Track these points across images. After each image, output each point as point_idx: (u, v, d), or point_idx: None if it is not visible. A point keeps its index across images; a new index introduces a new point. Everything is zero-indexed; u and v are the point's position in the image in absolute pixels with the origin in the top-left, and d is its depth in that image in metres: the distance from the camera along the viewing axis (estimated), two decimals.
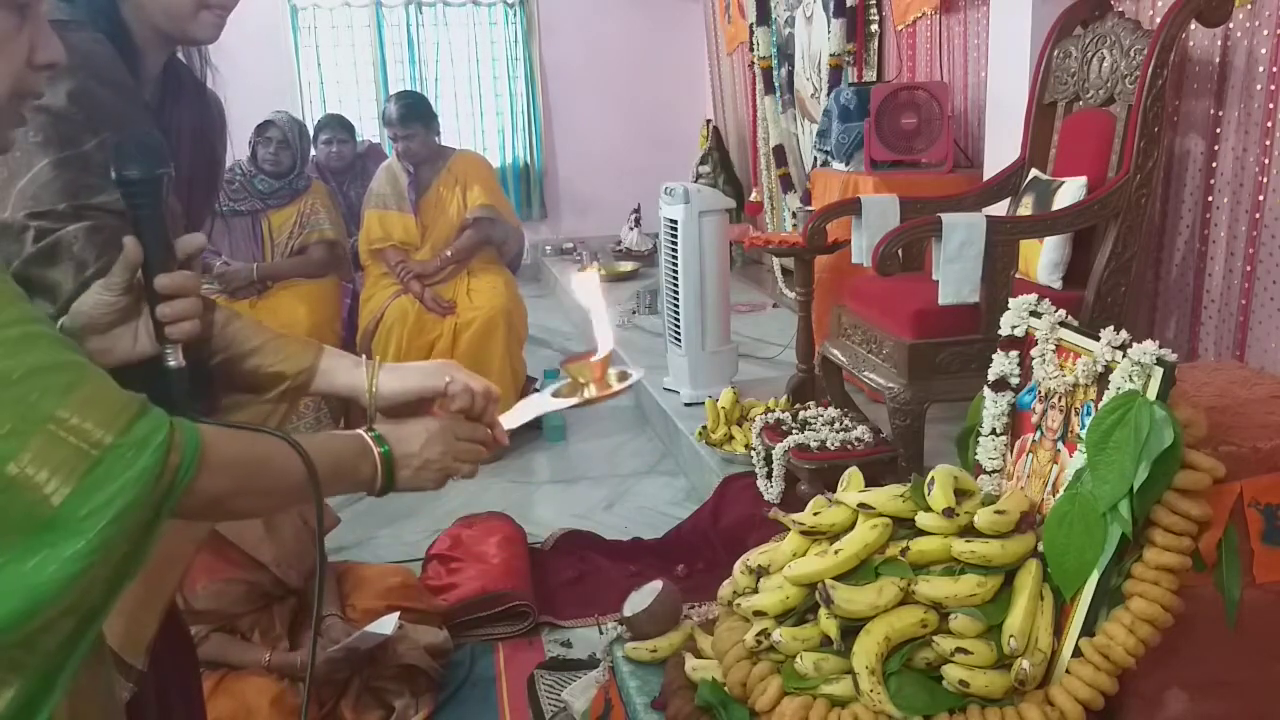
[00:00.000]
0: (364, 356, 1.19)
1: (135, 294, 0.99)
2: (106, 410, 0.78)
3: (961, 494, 1.43)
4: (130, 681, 1.26)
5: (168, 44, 1.27)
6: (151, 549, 0.81)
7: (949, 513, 1.37)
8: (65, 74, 1.10)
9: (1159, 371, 1.29)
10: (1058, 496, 1.35)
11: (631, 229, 6.82)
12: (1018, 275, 2.85)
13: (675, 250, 3.71)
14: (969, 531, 1.36)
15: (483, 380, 1.16)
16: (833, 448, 2.73)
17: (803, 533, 1.47)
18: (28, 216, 1.09)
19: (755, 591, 1.44)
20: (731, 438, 3.31)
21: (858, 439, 2.75)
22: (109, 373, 0.83)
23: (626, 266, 6.45)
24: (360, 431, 1.05)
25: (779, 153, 5.42)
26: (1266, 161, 2.59)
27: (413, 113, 4.00)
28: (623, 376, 1.22)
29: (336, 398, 1.18)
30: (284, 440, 0.94)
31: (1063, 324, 1.51)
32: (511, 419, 1.21)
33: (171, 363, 1.00)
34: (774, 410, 3.11)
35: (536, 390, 4.14)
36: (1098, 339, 1.39)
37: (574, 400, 1.21)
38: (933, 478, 1.43)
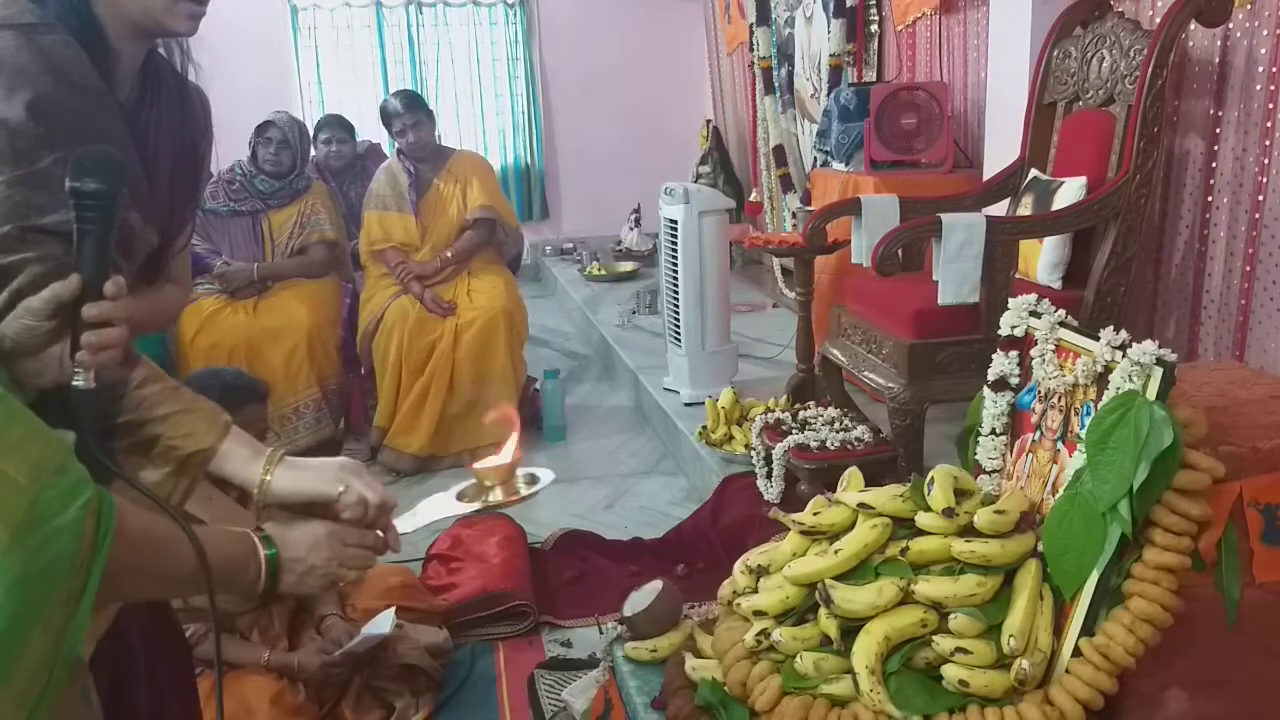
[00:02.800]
0: (266, 449, 1.17)
1: (62, 317, 0.96)
2: (38, 451, 0.75)
3: (961, 494, 1.43)
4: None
5: (145, 39, 1.24)
6: (86, 619, 0.77)
7: (949, 513, 1.37)
8: (25, 83, 1.08)
9: (1158, 371, 1.29)
10: (1057, 496, 1.35)
11: (631, 229, 6.81)
12: (1017, 275, 2.85)
13: (675, 250, 3.71)
14: (969, 531, 1.36)
15: (379, 490, 1.16)
16: (832, 448, 2.73)
17: (802, 533, 1.47)
18: None
19: (755, 591, 1.45)
20: (731, 438, 3.32)
21: (857, 439, 2.75)
22: (41, 394, 0.81)
23: (626, 266, 6.45)
24: (249, 532, 1.04)
25: (779, 153, 5.42)
26: (1266, 161, 2.59)
27: (417, 100, 4.03)
28: (531, 481, 1.22)
29: (230, 484, 1.16)
30: (181, 528, 0.92)
31: (1062, 324, 1.51)
32: (412, 521, 1.21)
33: (79, 383, 0.96)
34: (774, 410, 3.11)
35: (536, 390, 4.16)
36: (1097, 339, 1.40)
37: (477, 505, 1.20)
38: (932, 478, 1.43)
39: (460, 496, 1.22)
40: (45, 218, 1.06)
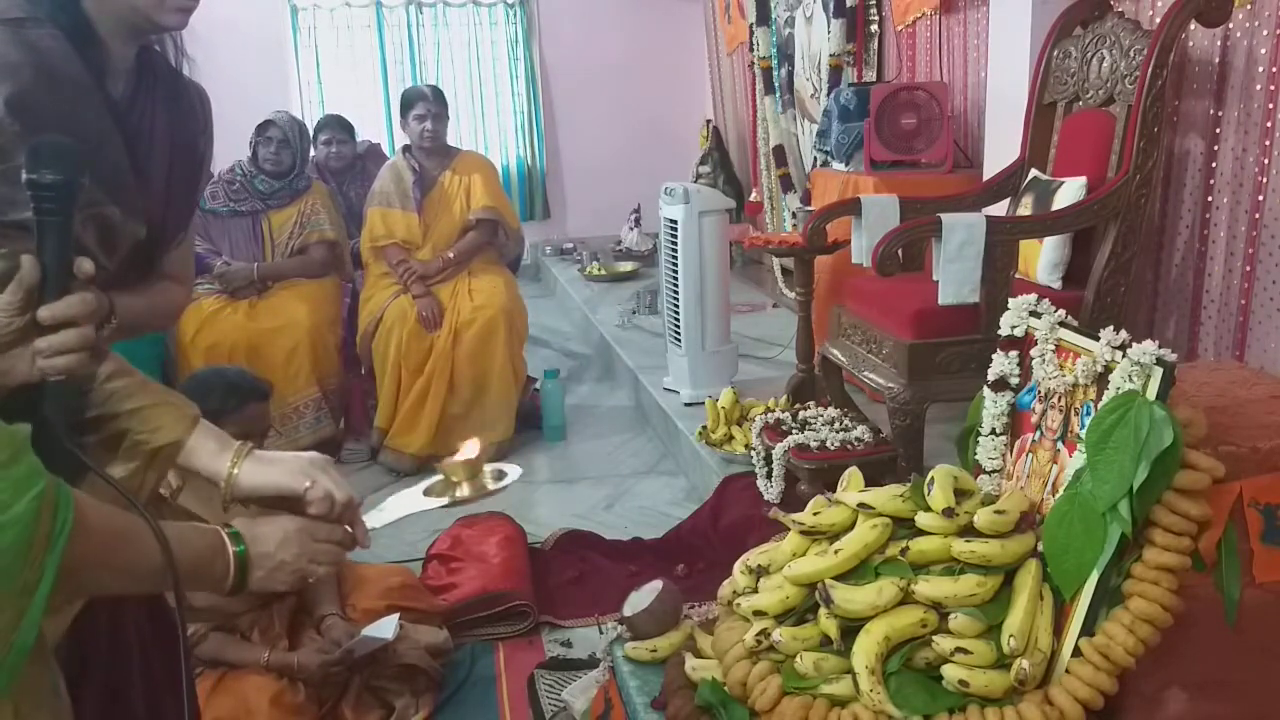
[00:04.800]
0: (234, 443, 1.16)
1: (30, 316, 0.95)
2: None
3: (961, 494, 1.43)
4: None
5: (135, 34, 1.24)
6: (38, 614, 0.76)
7: (949, 513, 1.37)
8: (6, 77, 1.08)
9: (1158, 371, 1.29)
10: (1057, 496, 1.35)
11: (631, 229, 6.81)
12: (1017, 275, 2.85)
13: (675, 250, 3.71)
14: (969, 531, 1.36)
15: (345, 486, 1.15)
16: (832, 448, 2.73)
17: (802, 532, 1.47)
18: None
19: (755, 591, 1.45)
20: (731, 438, 3.31)
21: (857, 439, 2.75)
22: (10, 392, 0.80)
23: (626, 266, 6.45)
24: (218, 528, 1.03)
25: (779, 153, 5.42)
26: (1266, 161, 2.59)
27: (443, 94, 4.07)
28: (499, 476, 1.22)
29: (197, 477, 1.15)
30: (147, 523, 0.90)
31: (1062, 324, 1.51)
32: (380, 517, 1.20)
33: (50, 378, 0.95)
34: (774, 410, 3.11)
35: (536, 388, 4.16)
36: (1097, 339, 1.40)
37: (444, 500, 1.20)
38: (932, 478, 1.43)
39: (427, 492, 1.22)
40: (21, 212, 1.04)
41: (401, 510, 1.23)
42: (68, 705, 0.98)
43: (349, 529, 1.16)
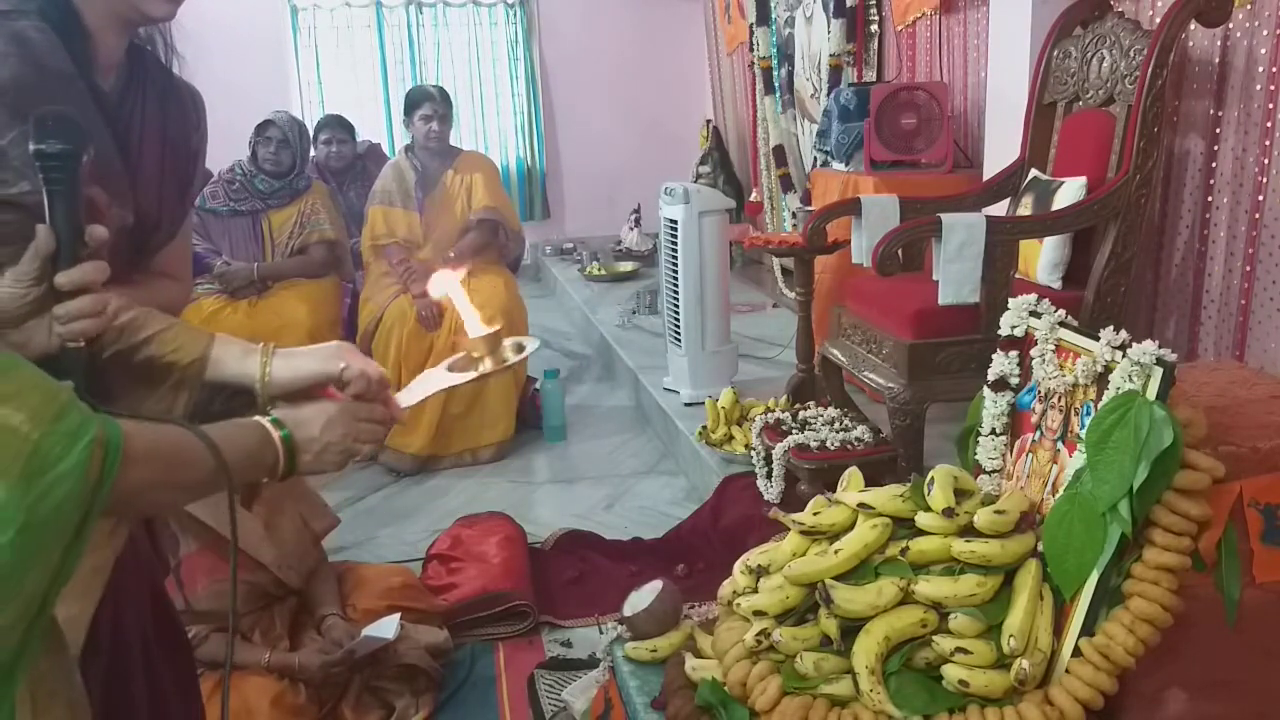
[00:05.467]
0: (258, 344, 1.17)
1: (48, 285, 0.97)
2: (37, 399, 0.76)
3: (961, 494, 1.43)
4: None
5: (124, 26, 1.24)
6: (84, 546, 0.79)
7: (949, 513, 1.37)
8: None
9: (1158, 371, 1.29)
10: (1057, 496, 1.35)
11: (631, 229, 6.81)
12: (1017, 275, 2.85)
13: (675, 250, 3.71)
14: (969, 531, 1.36)
15: (376, 365, 1.17)
16: (832, 448, 2.73)
17: (803, 532, 1.47)
18: None
19: (755, 591, 1.44)
20: (731, 438, 3.32)
21: (857, 439, 2.75)
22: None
23: (626, 266, 6.45)
24: (259, 419, 1.05)
25: (779, 153, 5.42)
26: (1266, 161, 2.59)
27: (448, 96, 4.08)
28: (518, 349, 1.23)
29: (229, 385, 1.16)
30: (191, 431, 0.93)
31: (1062, 324, 1.51)
32: (409, 396, 1.21)
33: (72, 344, 0.98)
34: (774, 410, 3.11)
35: (536, 388, 4.17)
36: (1097, 339, 1.40)
37: (471, 375, 1.21)
38: (932, 478, 1.43)
39: (451, 368, 1.23)
40: (8, 190, 1.08)
41: (428, 388, 1.23)
42: (83, 694, 0.99)
43: (384, 406, 1.17)
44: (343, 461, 1.10)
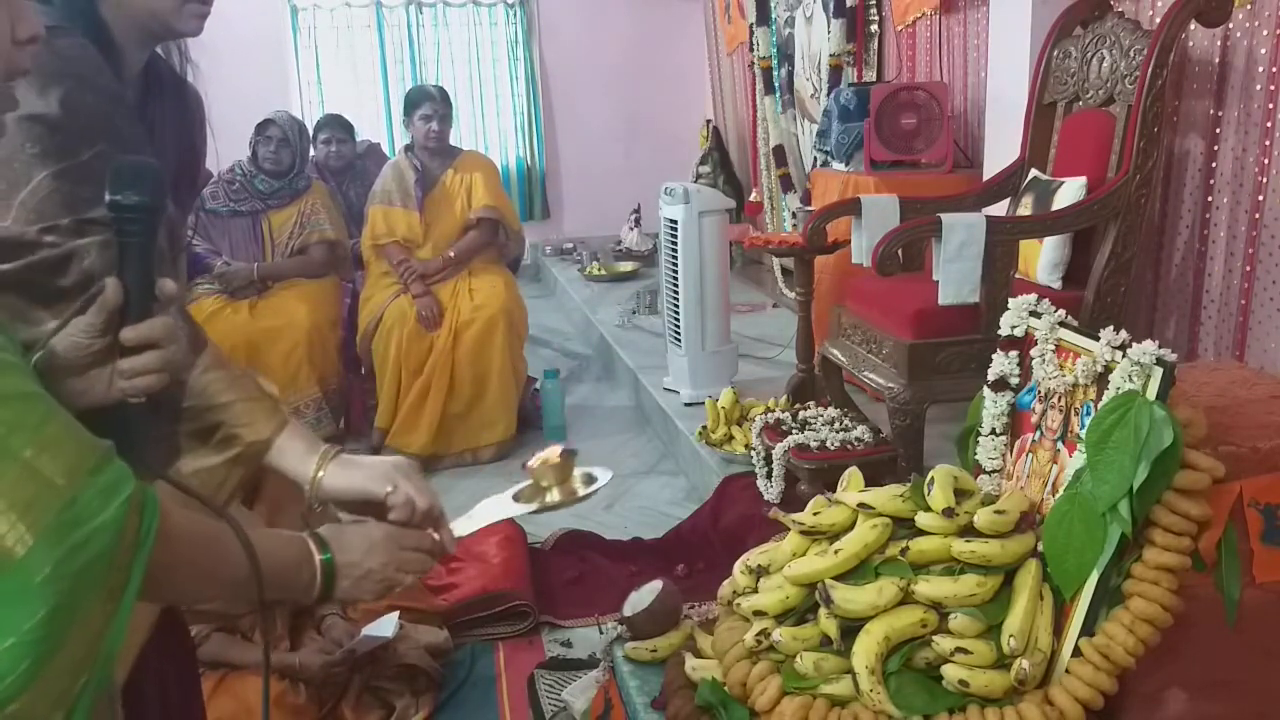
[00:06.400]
0: (322, 446, 1.15)
1: (112, 336, 0.95)
2: (74, 451, 0.74)
3: (961, 494, 1.43)
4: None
5: (150, 41, 1.24)
6: (128, 614, 0.75)
7: (949, 513, 1.37)
8: (55, 80, 1.08)
9: (1158, 371, 1.29)
10: (1057, 496, 1.35)
11: (631, 229, 6.81)
12: (1017, 275, 2.85)
13: (675, 250, 3.71)
14: (969, 531, 1.36)
15: (429, 493, 1.13)
16: (832, 448, 2.73)
17: (802, 532, 1.47)
18: (41, 231, 1.04)
19: (755, 591, 1.45)
20: (731, 438, 3.31)
21: (857, 439, 2.75)
22: (79, 414, 0.78)
23: (626, 266, 6.45)
24: (304, 535, 1.01)
25: (779, 153, 5.42)
26: (1266, 161, 2.59)
27: (448, 96, 4.08)
28: (589, 480, 1.20)
29: (282, 476, 1.15)
30: (232, 529, 0.90)
31: (1062, 324, 1.51)
32: (465, 526, 1.17)
33: (130, 399, 0.95)
34: (774, 410, 3.11)
35: (537, 388, 4.16)
36: (1097, 339, 1.40)
37: (534, 505, 1.18)
38: (932, 478, 1.43)
39: (517, 498, 1.20)
40: (95, 210, 1.05)
41: (491, 516, 1.19)
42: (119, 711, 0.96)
43: (435, 536, 1.14)
44: (382, 591, 1.06)
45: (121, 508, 0.74)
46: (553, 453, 1.17)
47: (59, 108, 1.08)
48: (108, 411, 0.95)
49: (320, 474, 1.13)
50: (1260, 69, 2.59)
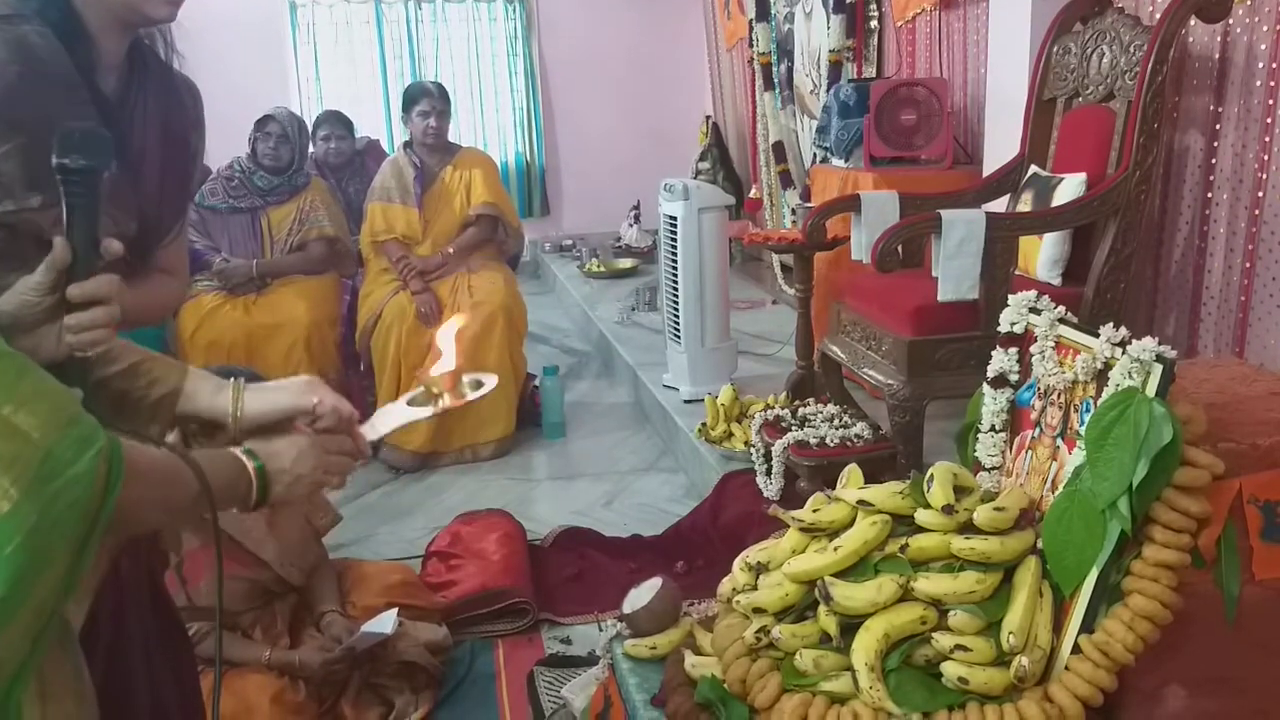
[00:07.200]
0: (228, 380, 1.19)
1: (59, 295, 0.99)
2: (49, 405, 0.77)
3: (961, 491, 1.43)
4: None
5: (125, 28, 1.25)
6: (91, 557, 0.81)
7: (948, 510, 1.37)
8: None
9: (1158, 368, 1.29)
10: (1057, 493, 1.35)
11: (631, 225, 6.81)
12: (1017, 271, 2.85)
13: (675, 247, 3.71)
14: (968, 528, 1.36)
15: (345, 403, 1.20)
16: (832, 444, 2.73)
17: (802, 529, 1.47)
18: None
19: (754, 588, 1.44)
20: (731, 435, 3.31)
21: (857, 436, 2.75)
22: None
23: (626, 263, 6.45)
24: (235, 450, 1.07)
25: (778, 149, 5.41)
26: (1266, 158, 2.59)
27: (447, 92, 4.08)
28: (476, 385, 1.26)
29: (202, 419, 1.18)
30: (179, 456, 0.96)
31: (1062, 321, 1.51)
32: (373, 430, 1.23)
33: (77, 354, 1.01)
34: (773, 407, 3.11)
35: (536, 385, 4.16)
36: (1097, 336, 1.39)
37: (429, 410, 1.24)
38: (932, 474, 1.43)
39: (411, 403, 1.27)
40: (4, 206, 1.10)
41: (391, 423, 1.25)
42: (91, 690, 1.00)
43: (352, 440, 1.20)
44: (312, 491, 1.13)
45: (94, 459, 0.78)
46: (445, 365, 1.23)
47: None
48: (56, 369, 0.97)
49: (239, 403, 1.16)
50: (1260, 65, 2.58)
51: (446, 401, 1.24)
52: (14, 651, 0.77)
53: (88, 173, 0.98)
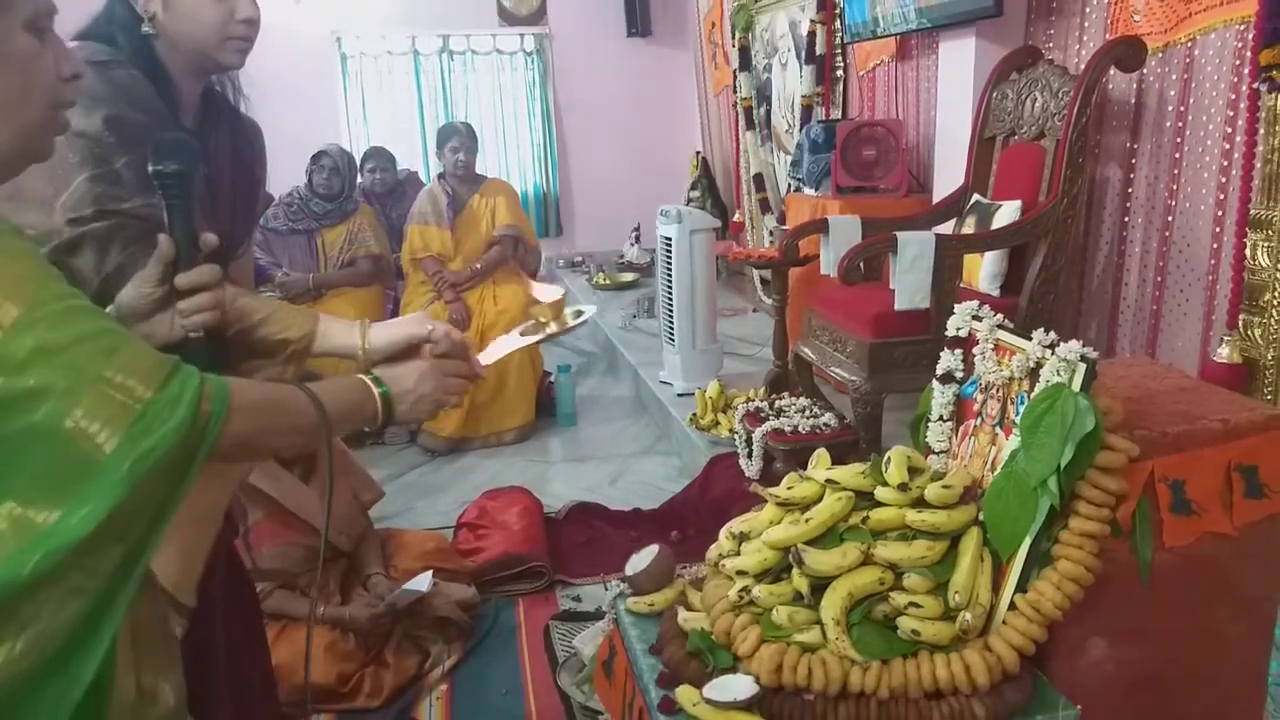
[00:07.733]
0: (356, 321, 1.18)
1: (169, 285, 0.99)
2: (145, 369, 0.77)
3: (914, 471, 1.43)
4: (183, 618, 1.25)
5: (200, 74, 1.27)
6: (188, 487, 0.79)
7: (903, 487, 1.37)
8: (102, 103, 1.13)
9: (1082, 367, 1.29)
10: (996, 473, 1.35)
11: (632, 245, 6.80)
12: (962, 284, 2.84)
13: (670, 263, 3.71)
14: (920, 503, 1.36)
15: (457, 331, 1.17)
16: (804, 431, 2.73)
17: (779, 504, 1.47)
18: (67, 224, 1.11)
19: (738, 554, 1.44)
20: (718, 423, 3.31)
21: (825, 424, 2.75)
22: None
23: (628, 277, 6.44)
24: (361, 376, 1.05)
25: (758, 180, 5.41)
26: (1174, 187, 2.58)
27: (474, 132, 4.11)
28: (577, 314, 1.25)
29: (336, 356, 1.17)
30: (296, 387, 0.93)
31: (1000, 326, 1.51)
32: (487, 356, 1.21)
33: (195, 334, 1.01)
34: (754, 400, 3.11)
35: (551, 382, 4.15)
36: (1030, 339, 1.39)
37: (539, 336, 1.23)
38: (889, 457, 1.43)
39: (523, 333, 1.25)
40: (120, 204, 1.13)
41: (505, 349, 1.24)
42: (174, 635, 0.99)
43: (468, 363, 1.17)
44: (434, 411, 1.09)
45: (189, 407, 0.77)
46: (553, 295, 1.23)
47: (101, 125, 1.13)
48: (174, 348, 0.97)
49: (366, 337, 1.14)
50: (1170, 108, 2.58)
51: (554, 329, 1.22)
52: (116, 581, 0.76)
53: (180, 176, 0.97)
